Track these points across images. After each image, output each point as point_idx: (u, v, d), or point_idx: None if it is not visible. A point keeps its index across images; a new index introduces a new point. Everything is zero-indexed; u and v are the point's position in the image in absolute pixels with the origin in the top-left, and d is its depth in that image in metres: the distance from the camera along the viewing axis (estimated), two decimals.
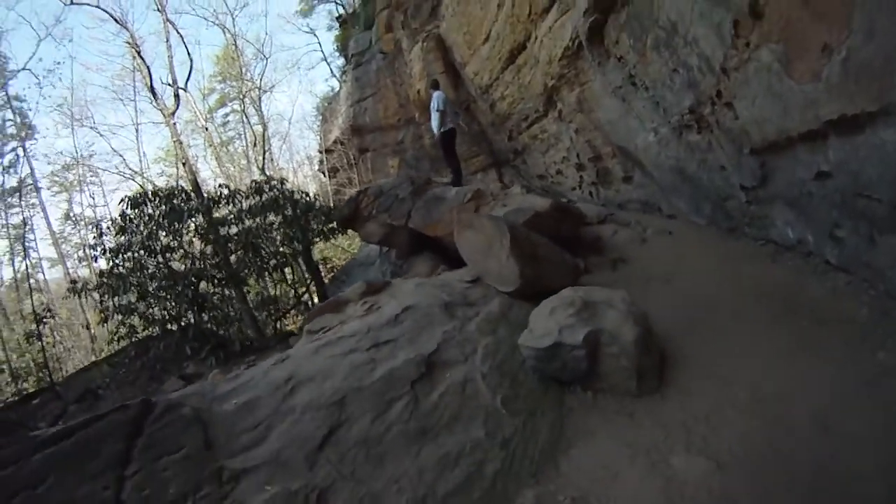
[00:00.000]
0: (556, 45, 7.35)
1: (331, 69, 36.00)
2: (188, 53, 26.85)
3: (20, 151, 25.42)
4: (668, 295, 4.79)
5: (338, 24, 30.40)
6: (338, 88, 24.09)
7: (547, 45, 7.69)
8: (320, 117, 26.64)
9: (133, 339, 9.12)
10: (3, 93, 24.92)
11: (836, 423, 2.63)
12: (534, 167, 11.79)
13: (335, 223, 10.54)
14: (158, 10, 22.88)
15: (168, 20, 22.57)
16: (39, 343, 11.62)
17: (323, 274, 12.95)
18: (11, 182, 24.35)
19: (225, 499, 2.43)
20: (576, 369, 3.44)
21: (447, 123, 10.04)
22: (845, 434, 2.54)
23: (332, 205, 12.53)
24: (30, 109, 26.31)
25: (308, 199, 10.99)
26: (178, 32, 23.77)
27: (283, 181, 10.95)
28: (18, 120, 25.92)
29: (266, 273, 10.83)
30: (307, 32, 54.24)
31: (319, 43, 44.83)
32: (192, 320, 9.22)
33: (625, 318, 3.57)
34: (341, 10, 31.50)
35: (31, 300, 13.80)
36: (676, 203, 6.54)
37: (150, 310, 9.06)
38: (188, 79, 23.04)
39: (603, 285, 4.39)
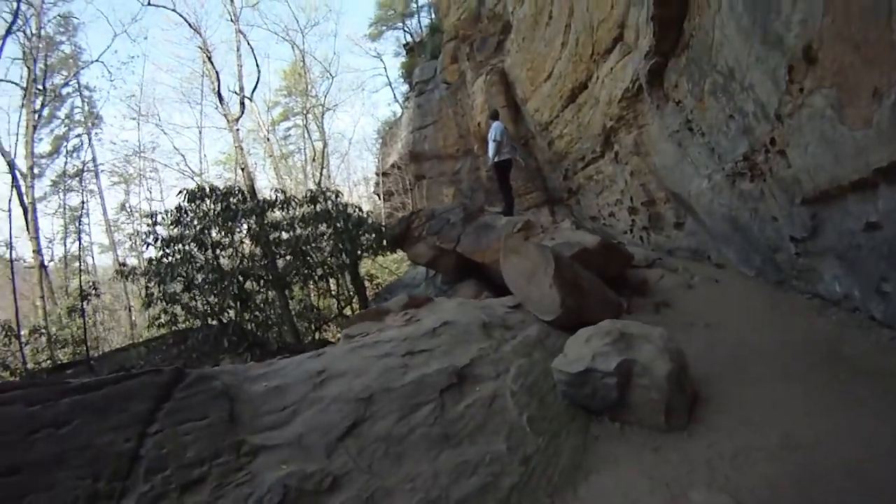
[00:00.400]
0: (616, 86, 7.42)
1: (394, 94, 37.17)
2: (257, 65, 28.18)
3: (85, 138, 27.09)
4: (709, 340, 4.73)
5: (404, 52, 31.42)
6: (400, 114, 24.76)
7: (608, 86, 7.77)
8: (380, 140, 27.34)
9: (173, 328, 9.44)
10: (75, 81, 26.52)
11: (872, 474, 2.55)
12: (587, 208, 11.78)
13: (385, 240, 10.73)
14: (231, 20, 24.16)
15: (240, 31, 23.70)
16: (81, 319, 12.00)
17: (367, 290, 13.11)
18: (74, 165, 25.81)
19: (241, 469, 2.51)
20: (605, 397, 3.43)
21: (503, 154, 10.19)
22: (882, 486, 2.47)
23: (383, 224, 12.76)
24: (99, 99, 27.86)
25: (360, 213, 11.20)
26: (249, 44, 25.05)
27: (337, 193, 11.19)
28: (86, 108, 27.59)
29: (311, 282, 11.08)
30: (374, 56, 56.18)
31: (385, 68, 46.41)
32: (234, 317, 9.44)
33: (660, 352, 3.55)
34: (409, 38, 32.56)
35: (80, 279, 14.26)
36: (726, 252, 6.47)
37: (194, 301, 9.34)
38: (255, 89, 24.03)
39: None
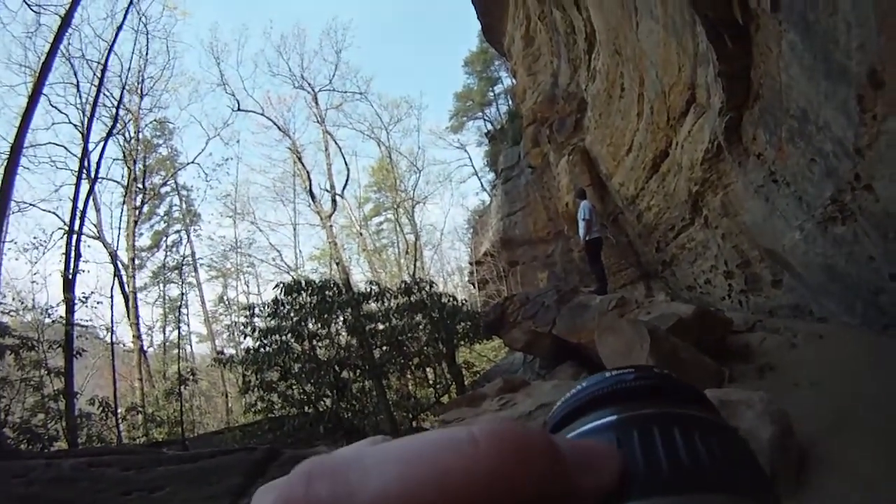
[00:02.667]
0: (696, 148, 7.32)
1: (481, 183, 37.67)
2: (345, 163, 29.20)
3: (183, 234, 29.17)
4: (816, 399, 4.46)
5: (487, 140, 32.23)
6: (488, 202, 25.12)
7: (688, 150, 7.67)
8: (471, 230, 27.79)
9: (269, 415, 9.60)
10: (173, 181, 28.83)
11: None
12: (682, 278, 11.37)
13: (480, 327, 10.71)
14: (318, 122, 25.76)
15: (327, 131, 25.32)
16: (178, 401, 12.53)
17: (465, 378, 13.02)
18: (173, 259, 27.46)
19: None
20: None
21: (593, 232, 10.14)
22: None
23: (478, 312, 12.79)
24: (196, 198, 29.88)
25: (455, 302, 11.30)
26: (337, 143, 26.59)
27: (431, 284, 11.37)
28: (184, 206, 29.77)
29: (408, 371, 11.16)
30: (458, 148, 57.53)
31: (470, 158, 47.26)
32: (330, 405, 9.57)
33: (761, 417, 3.42)
34: (490, 126, 33.40)
35: (178, 365, 15.06)
36: (827, 305, 6.06)
37: (290, 390, 9.57)
38: (345, 186, 25.30)
39: None
